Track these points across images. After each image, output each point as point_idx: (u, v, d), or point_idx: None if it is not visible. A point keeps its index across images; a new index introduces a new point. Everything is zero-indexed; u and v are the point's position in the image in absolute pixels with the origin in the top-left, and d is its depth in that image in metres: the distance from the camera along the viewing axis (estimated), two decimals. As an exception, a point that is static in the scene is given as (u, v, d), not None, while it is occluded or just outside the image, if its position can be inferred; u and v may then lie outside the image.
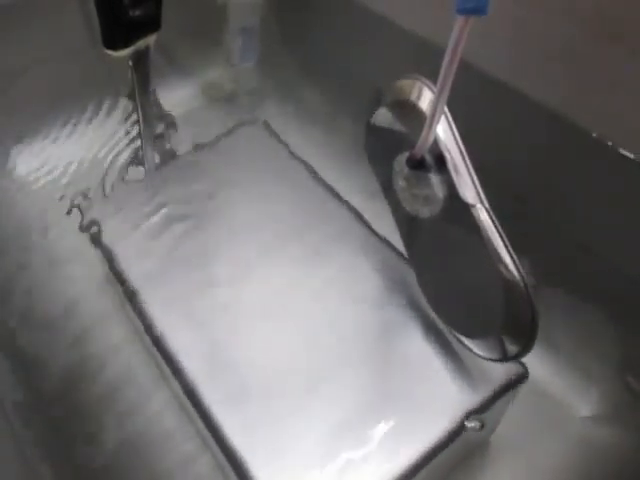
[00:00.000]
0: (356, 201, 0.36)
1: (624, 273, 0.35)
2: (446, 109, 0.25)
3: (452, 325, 0.29)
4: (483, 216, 0.24)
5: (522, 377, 0.28)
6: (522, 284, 0.23)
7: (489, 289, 0.25)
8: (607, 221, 0.35)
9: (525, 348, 0.24)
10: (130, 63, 0.30)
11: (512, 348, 0.25)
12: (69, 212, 0.37)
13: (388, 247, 0.33)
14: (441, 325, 0.30)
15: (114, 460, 0.32)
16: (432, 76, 0.23)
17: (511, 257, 0.24)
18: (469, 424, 0.27)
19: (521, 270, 0.23)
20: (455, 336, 0.29)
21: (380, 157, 0.30)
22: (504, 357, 0.26)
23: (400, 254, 0.33)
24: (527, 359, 0.26)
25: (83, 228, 0.35)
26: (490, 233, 0.24)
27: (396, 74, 0.28)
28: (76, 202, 0.37)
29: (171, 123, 0.44)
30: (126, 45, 0.28)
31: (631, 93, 0.31)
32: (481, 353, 0.27)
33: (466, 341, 0.28)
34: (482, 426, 0.27)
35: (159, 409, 0.34)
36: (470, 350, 0.28)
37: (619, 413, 0.34)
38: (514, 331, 0.25)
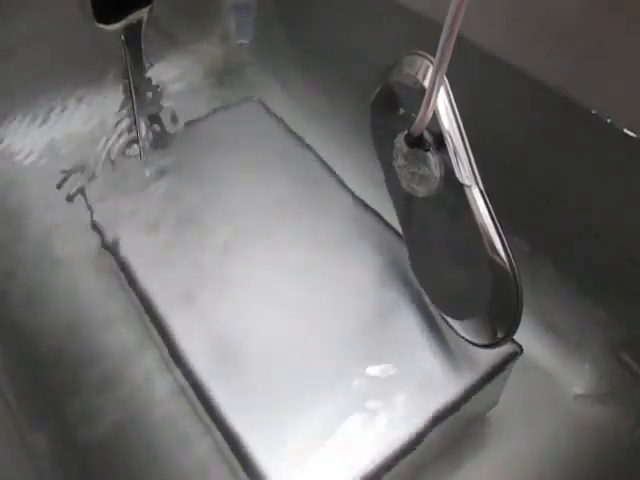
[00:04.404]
0: (353, 178, 0.36)
1: (620, 251, 0.35)
2: (449, 87, 0.24)
3: (442, 307, 0.29)
4: (477, 198, 0.24)
5: (515, 354, 0.28)
6: (509, 269, 0.23)
7: (478, 271, 0.25)
8: (607, 200, 0.35)
9: (509, 332, 0.24)
10: (122, 37, 0.29)
11: (498, 332, 0.25)
12: (69, 198, 0.37)
13: (385, 226, 0.33)
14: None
15: (111, 440, 0.33)
16: (432, 54, 0.22)
17: (501, 241, 0.23)
18: None
19: (510, 255, 0.23)
20: (444, 319, 0.29)
21: (383, 136, 0.30)
22: (491, 343, 0.26)
23: (397, 234, 0.33)
24: (522, 336, 0.26)
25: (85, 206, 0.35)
26: (482, 215, 0.24)
27: (394, 51, 0.27)
28: (74, 182, 0.37)
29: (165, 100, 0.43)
30: (118, 19, 0.28)
31: (632, 68, 0.31)
32: (468, 337, 0.27)
33: (454, 325, 0.28)
34: None
35: (160, 391, 0.34)
36: (458, 334, 0.28)
37: (613, 390, 0.34)
38: (499, 316, 0.25)
